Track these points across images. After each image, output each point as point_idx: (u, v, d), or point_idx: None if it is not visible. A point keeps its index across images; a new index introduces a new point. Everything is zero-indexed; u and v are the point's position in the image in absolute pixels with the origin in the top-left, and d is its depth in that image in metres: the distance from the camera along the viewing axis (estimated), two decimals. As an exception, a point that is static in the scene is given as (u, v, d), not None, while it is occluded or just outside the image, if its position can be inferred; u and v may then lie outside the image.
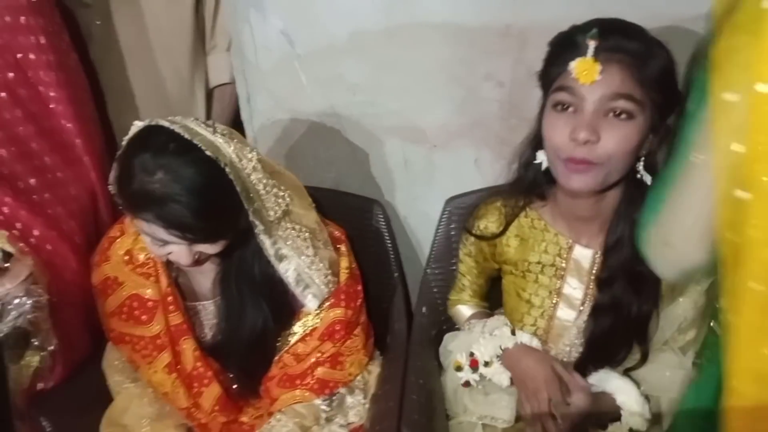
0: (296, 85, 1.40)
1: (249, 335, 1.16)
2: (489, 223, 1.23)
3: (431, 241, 1.44)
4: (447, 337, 1.31)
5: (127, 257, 1.15)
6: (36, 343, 1.13)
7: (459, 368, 1.22)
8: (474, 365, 1.20)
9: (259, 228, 1.07)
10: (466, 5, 1.31)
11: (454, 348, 1.25)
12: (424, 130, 1.45)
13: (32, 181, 1.16)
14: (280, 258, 1.12)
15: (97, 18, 1.39)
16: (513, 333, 1.18)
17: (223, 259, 1.15)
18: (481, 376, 1.20)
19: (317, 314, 1.18)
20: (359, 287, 1.24)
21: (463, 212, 1.39)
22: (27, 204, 1.14)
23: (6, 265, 1.15)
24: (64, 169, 1.21)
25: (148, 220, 0.98)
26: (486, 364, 1.18)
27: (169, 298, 1.15)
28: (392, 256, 1.46)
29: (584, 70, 0.97)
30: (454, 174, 1.46)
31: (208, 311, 1.21)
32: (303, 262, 1.14)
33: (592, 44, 0.97)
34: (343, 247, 1.23)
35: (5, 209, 1.11)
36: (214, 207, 0.99)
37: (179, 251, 1.03)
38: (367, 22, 1.34)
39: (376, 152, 1.48)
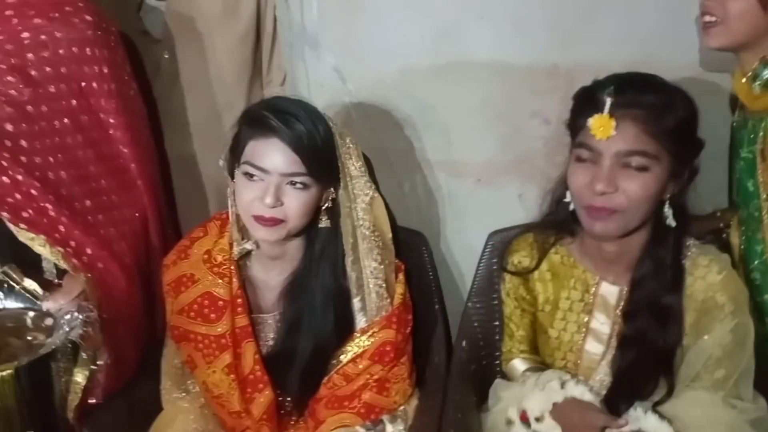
0: (347, 119, 1.45)
1: (311, 348, 1.20)
2: (522, 257, 1.25)
3: (473, 275, 1.45)
4: (499, 383, 1.29)
5: (206, 256, 1.22)
6: (86, 357, 1.17)
7: (510, 422, 1.20)
8: (525, 420, 1.18)
9: (346, 206, 1.17)
10: (513, 45, 1.35)
11: (506, 398, 1.24)
12: (470, 165, 1.47)
13: (88, 202, 1.22)
14: (354, 249, 1.19)
15: (165, 52, 1.48)
16: (563, 386, 1.16)
17: (298, 266, 1.22)
18: (534, 431, 1.18)
19: (370, 335, 1.21)
20: (410, 316, 1.27)
21: (505, 246, 1.40)
22: (81, 224, 1.20)
23: (60, 282, 1.22)
24: (119, 192, 1.28)
25: (270, 138, 1.08)
26: (537, 419, 1.17)
27: (239, 300, 1.20)
28: (434, 289, 1.47)
29: (600, 126, 1.02)
30: (499, 209, 1.47)
31: (268, 325, 1.25)
32: (368, 265, 1.20)
33: (608, 100, 1.02)
34: (401, 276, 1.27)
35: (61, 228, 1.17)
36: (323, 146, 1.12)
37: (289, 197, 1.10)
38: (416, 60, 1.39)
39: (421, 186, 1.51)
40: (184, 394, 1.25)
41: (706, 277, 1.11)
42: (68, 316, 1.14)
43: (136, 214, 1.31)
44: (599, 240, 1.12)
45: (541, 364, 1.28)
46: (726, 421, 1.07)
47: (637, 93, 1.03)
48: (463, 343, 1.39)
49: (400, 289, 1.24)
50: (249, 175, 1.11)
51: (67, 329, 1.13)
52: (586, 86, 1.10)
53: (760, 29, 1.11)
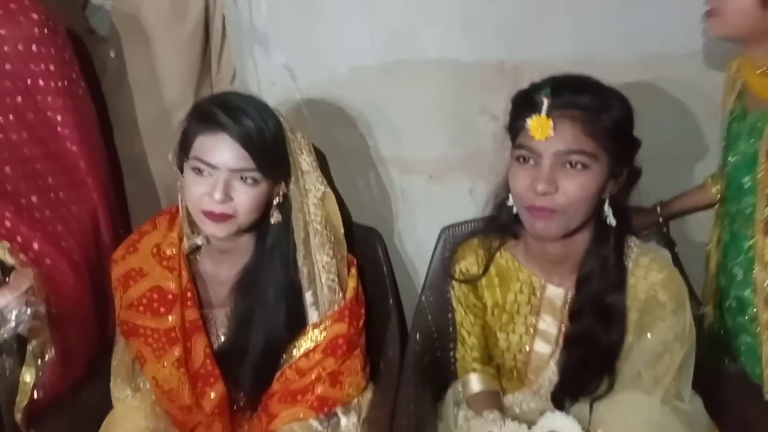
0: (298, 117, 1.45)
1: (263, 343, 1.21)
2: (469, 265, 1.26)
3: (426, 269, 1.47)
4: (458, 403, 1.30)
5: (155, 249, 1.21)
6: (33, 350, 1.15)
7: None
8: None
9: (297, 201, 1.18)
10: (461, 43, 1.38)
11: None
12: (422, 161, 1.49)
13: (34, 198, 1.20)
14: (305, 244, 1.20)
15: (111, 51, 1.46)
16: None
17: (249, 261, 1.22)
18: None
19: (322, 329, 1.22)
20: (362, 310, 1.28)
21: (457, 241, 1.43)
22: (28, 220, 1.18)
23: (6, 278, 1.19)
24: (67, 189, 1.26)
25: (218, 133, 1.08)
26: None
27: (188, 294, 1.20)
28: (388, 284, 1.49)
29: (538, 127, 1.03)
30: (450, 204, 1.50)
31: (219, 320, 1.26)
32: (320, 260, 1.21)
33: (545, 102, 1.03)
34: (353, 270, 1.28)
35: (7, 223, 1.16)
36: (273, 141, 1.13)
37: (238, 193, 1.10)
38: (367, 58, 1.41)
39: (374, 183, 1.53)
40: (134, 391, 1.25)
41: (648, 276, 1.13)
42: (16, 311, 1.12)
43: (86, 212, 1.30)
44: (542, 241, 1.14)
45: (494, 377, 1.29)
46: (659, 424, 1.09)
47: (573, 94, 1.05)
48: (417, 336, 1.41)
49: (352, 283, 1.26)
50: (198, 171, 1.11)
51: (15, 323, 1.11)
52: (524, 89, 1.12)
53: (760, 25, 1.10)
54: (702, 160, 1.41)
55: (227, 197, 1.10)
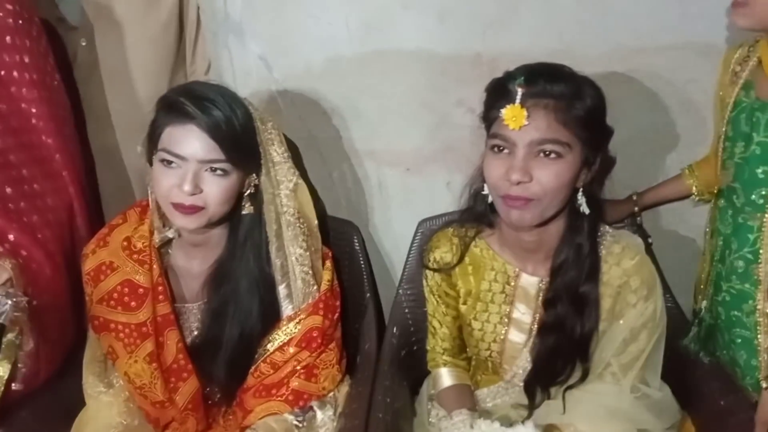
0: (273, 109, 1.44)
1: (237, 337, 1.19)
2: (443, 253, 1.25)
3: (404, 262, 1.47)
4: (430, 397, 1.30)
5: (125, 243, 1.19)
6: (8, 343, 1.13)
7: None
8: None
9: (269, 192, 1.17)
10: (438, 34, 1.37)
11: None
12: (399, 153, 1.49)
13: (9, 190, 1.18)
14: (278, 236, 1.18)
15: (82, 39, 1.43)
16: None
17: (222, 254, 1.21)
18: None
19: (297, 322, 1.21)
20: (338, 303, 1.27)
21: (434, 233, 1.42)
22: (2, 211, 1.16)
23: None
24: (42, 181, 1.24)
25: (186, 124, 1.07)
26: None
27: (160, 288, 1.18)
28: (366, 277, 1.49)
29: (513, 116, 1.03)
30: (428, 197, 1.50)
31: (192, 314, 1.24)
32: (294, 252, 1.19)
33: (519, 91, 1.04)
34: (328, 263, 1.27)
35: None
36: (243, 132, 1.12)
37: (208, 184, 1.09)
38: (343, 49, 1.40)
39: (351, 175, 1.52)
40: (107, 388, 1.23)
41: (620, 263, 1.14)
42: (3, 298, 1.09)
43: (61, 204, 1.27)
44: (517, 230, 1.14)
45: (464, 370, 1.29)
46: (627, 413, 1.10)
47: (547, 83, 1.05)
48: (394, 330, 1.41)
49: (327, 275, 1.25)
50: (167, 162, 1.09)
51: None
52: (498, 78, 1.12)
53: None
54: (674, 151, 1.42)
55: (196, 189, 1.08)
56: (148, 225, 1.19)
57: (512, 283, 1.20)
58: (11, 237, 1.16)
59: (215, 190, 1.10)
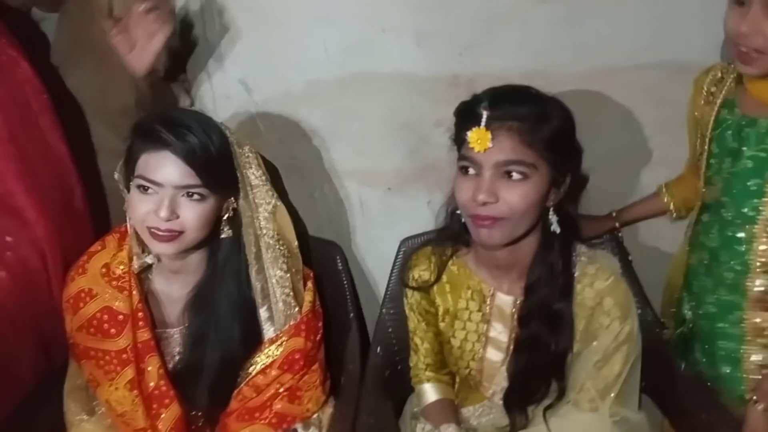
0: (254, 131, 1.45)
1: (219, 361, 1.19)
2: (422, 272, 1.26)
3: (387, 281, 1.47)
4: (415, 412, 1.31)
5: (104, 270, 1.19)
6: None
7: None
8: None
9: (247, 215, 1.17)
10: (416, 57, 1.39)
11: None
12: (379, 173, 1.50)
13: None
14: (257, 259, 1.19)
15: (60, 68, 1.41)
16: None
17: (202, 278, 1.21)
18: None
19: (278, 345, 1.21)
20: (320, 324, 1.27)
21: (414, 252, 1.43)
22: None
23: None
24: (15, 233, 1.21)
25: (162, 150, 1.07)
26: None
27: (140, 314, 1.18)
28: (349, 297, 1.49)
29: (477, 139, 1.05)
30: (409, 216, 1.50)
31: (174, 339, 1.24)
32: (274, 274, 1.20)
33: (484, 114, 1.05)
34: (310, 284, 1.27)
35: None
36: (219, 157, 1.13)
37: (184, 210, 1.09)
38: (323, 72, 1.41)
39: (333, 196, 1.53)
40: (89, 415, 1.22)
41: (594, 284, 1.15)
42: None
43: (33, 251, 1.23)
44: (488, 248, 1.15)
45: (448, 384, 1.30)
46: None
47: (511, 105, 1.07)
48: (378, 349, 1.41)
49: (308, 296, 1.25)
50: (143, 188, 1.09)
51: None
52: (465, 101, 1.14)
53: None
54: (650, 168, 1.45)
55: (173, 214, 1.09)
56: (127, 251, 1.19)
57: (488, 302, 1.21)
58: None
59: (192, 215, 1.10)
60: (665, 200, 1.38)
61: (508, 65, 1.37)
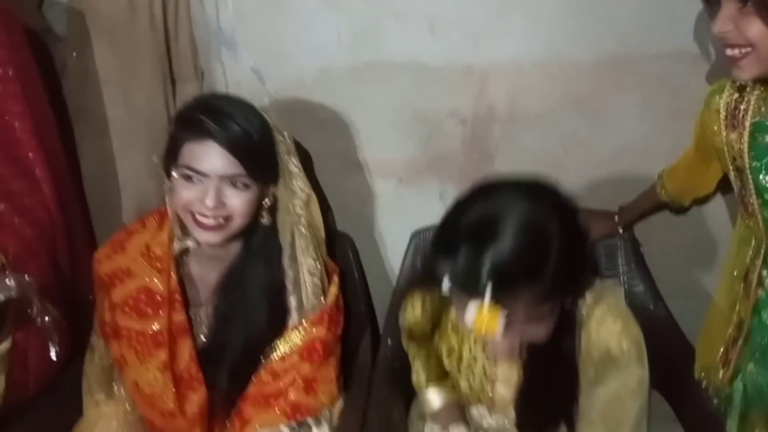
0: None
1: (242, 344, 1.18)
2: (416, 317, 1.21)
3: (398, 273, 1.46)
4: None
5: (144, 250, 1.18)
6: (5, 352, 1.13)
7: None
8: None
9: (285, 203, 1.17)
10: (429, 45, 1.38)
11: None
12: (391, 164, 1.49)
13: (2, 206, 1.18)
14: (291, 246, 1.18)
15: (71, 50, 1.43)
16: None
17: (235, 261, 1.20)
18: None
19: (301, 331, 1.20)
20: (342, 318, 1.26)
21: (428, 244, 1.41)
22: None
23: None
24: (29, 194, 1.23)
25: (205, 140, 1.06)
26: None
27: (176, 295, 1.17)
28: (360, 289, 1.48)
29: (482, 325, 0.86)
30: (421, 207, 1.49)
31: (201, 320, 1.23)
32: (305, 263, 1.19)
33: (488, 294, 0.85)
34: (335, 277, 1.27)
35: None
36: (261, 144, 1.12)
37: (230, 198, 1.09)
38: (335, 61, 1.41)
39: (344, 186, 1.52)
40: (106, 398, 1.21)
41: (601, 328, 1.05)
42: (4, 281, 1.08)
43: (46, 216, 1.26)
44: None
45: (451, 387, 1.24)
46: None
47: (511, 280, 0.87)
48: (388, 341, 1.40)
49: (334, 289, 1.24)
50: (188, 177, 1.09)
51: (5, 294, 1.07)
52: (443, 241, 0.96)
53: None
54: (664, 160, 1.41)
55: (219, 203, 1.08)
56: (167, 233, 1.18)
57: (492, 342, 1.12)
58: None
59: (238, 202, 1.10)
60: (658, 190, 1.34)
61: (521, 53, 1.37)
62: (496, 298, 0.85)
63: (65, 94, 1.45)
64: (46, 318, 1.14)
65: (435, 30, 1.37)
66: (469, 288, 0.87)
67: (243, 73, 1.43)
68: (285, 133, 1.18)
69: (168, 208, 1.17)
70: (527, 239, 0.89)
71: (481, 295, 0.85)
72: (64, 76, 1.45)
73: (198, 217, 1.09)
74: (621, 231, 1.40)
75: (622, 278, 1.42)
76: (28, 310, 1.13)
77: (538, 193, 0.95)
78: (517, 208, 0.90)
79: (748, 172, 1.08)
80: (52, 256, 1.26)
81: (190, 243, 1.18)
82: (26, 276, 1.11)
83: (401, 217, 1.51)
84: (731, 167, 1.13)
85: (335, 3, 1.36)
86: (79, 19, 1.40)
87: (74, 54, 1.41)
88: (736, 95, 1.10)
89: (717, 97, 1.14)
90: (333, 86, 1.42)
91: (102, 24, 1.40)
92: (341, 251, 1.47)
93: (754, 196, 1.09)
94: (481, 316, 0.85)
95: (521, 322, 0.91)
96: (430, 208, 1.47)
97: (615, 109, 1.39)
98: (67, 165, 1.36)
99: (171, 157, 1.11)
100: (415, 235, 1.47)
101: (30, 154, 1.24)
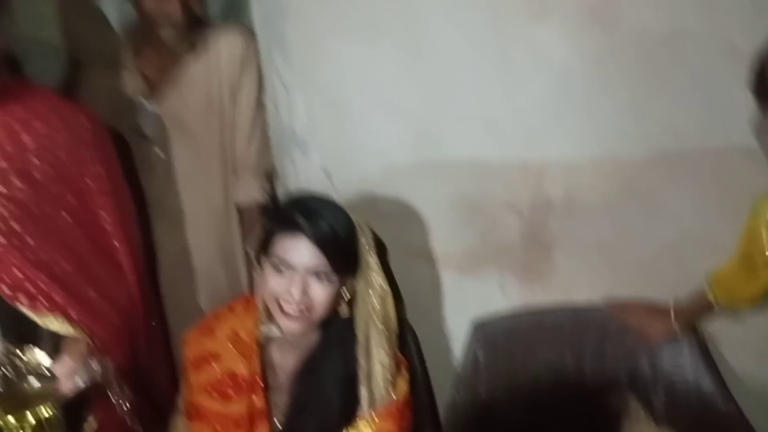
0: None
1: (317, 429, 1.21)
2: None
3: (458, 365, 1.47)
4: None
5: (232, 334, 1.25)
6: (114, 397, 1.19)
7: None
8: None
9: (363, 296, 1.22)
10: (486, 144, 1.46)
11: None
12: (451, 255, 1.53)
13: (92, 293, 1.26)
14: (366, 339, 1.23)
15: (156, 148, 1.57)
16: None
17: (313, 351, 1.25)
18: None
19: (370, 424, 1.22)
20: (410, 413, 1.28)
21: (489, 336, 1.44)
22: (87, 311, 1.24)
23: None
24: (114, 283, 1.32)
25: (296, 234, 1.16)
26: None
27: (258, 380, 1.22)
28: (422, 380, 1.48)
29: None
30: (480, 298, 1.52)
31: (278, 407, 1.27)
32: (377, 355, 1.23)
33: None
34: (405, 372, 1.29)
35: (71, 312, 1.22)
36: (346, 240, 1.21)
37: (314, 290, 1.16)
38: (398, 159, 1.49)
39: (406, 276, 1.55)
40: None
41: None
42: (90, 365, 1.15)
43: (128, 304, 1.35)
44: None
45: None
46: None
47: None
48: (450, 434, 1.39)
49: (404, 384, 1.27)
50: (277, 268, 1.17)
51: (93, 374, 1.14)
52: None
53: None
54: (722, 252, 1.40)
55: (304, 294, 1.16)
56: (254, 320, 1.25)
57: None
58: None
59: (320, 294, 1.17)
60: (709, 296, 1.32)
61: (576, 151, 1.43)
62: None
63: (146, 188, 1.58)
64: (126, 401, 1.20)
65: (492, 130, 1.45)
66: None
67: (313, 170, 1.53)
68: (367, 230, 1.26)
69: (256, 295, 1.25)
70: None
71: None
72: (149, 172, 1.58)
73: (283, 305, 1.17)
74: (680, 334, 1.38)
75: (688, 376, 1.39)
76: (110, 393, 1.19)
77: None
78: None
79: None
80: (133, 341, 1.33)
81: (275, 330, 1.24)
82: (109, 360, 1.18)
83: (462, 307, 1.54)
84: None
85: (399, 108, 1.46)
86: (163, 122, 1.54)
87: (157, 151, 1.55)
88: None
89: (765, 204, 1.16)
90: (395, 182, 1.50)
91: (182, 125, 1.55)
92: (403, 341, 1.48)
93: None
94: None
95: None
96: (491, 299, 1.51)
97: (671, 202, 1.42)
98: (146, 254, 1.46)
99: (263, 248, 1.20)
100: (476, 325, 1.49)
101: (116, 244, 1.35)
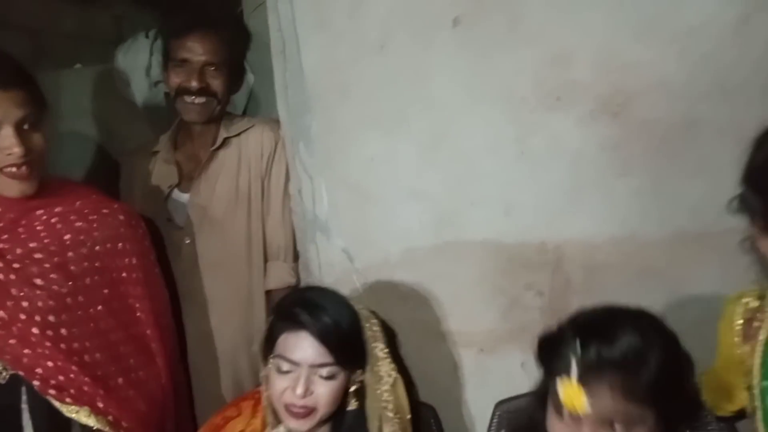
0: (354, 295, 1.55)
1: None
2: None
3: (482, 445, 1.46)
4: None
5: None
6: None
7: None
8: None
9: (372, 388, 1.24)
10: (504, 226, 1.48)
11: None
12: (472, 335, 1.54)
13: (120, 380, 1.32)
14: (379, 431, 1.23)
15: (186, 238, 1.64)
16: None
17: None
18: None
19: None
20: None
21: (512, 416, 1.43)
22: (116, 399, 1.29)
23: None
24: (145, 369, 1.37)
25: (300, 331, 1.18)
26: None
27: None
28: (444, 462, 1.48)
29: (570, 399, 0.94)
30: (503, 378, 1.52)
31: None
32: None
33: (574, 364, 0.94)
34: None
35: (99, 403, 1.28)
36: (349, 333, 1.23)
37: (319, 387, 1.17)
38: (417, 241, 1.53)
39: (426, 356, 1.57)
40: None
41: None
42: None
43: (158, 389, 1.40)
44: None
45: None
46: None
47: (605, 346, 0.96)
48: None
49: None
50: (280, 366, 1.20)
51: None
52: (550, 333, 1.08)
53: None
54: None
55: (308, 392, 1.18)
56: (261, 420, 1.28)
57: None
58: (125, 424, 1.28)
59: (324, 391, 1.19)
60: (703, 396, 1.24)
61: (594, 232, 1.44)
62: (582, 374, 0.94)
63: (176, 275, 1.64)
64: None
65: (509, 213, 1.47)
66: (562, 359, 0.97)
67: (334, 253, 1.58)
68: (373, 321, 1.28)
69: (263, 395, 1.27)
70: (628, 335, 0.99)
71: (569, 370, 0.94)
72: (179, 260, 1.64)
73: (289, 405, 1.19)
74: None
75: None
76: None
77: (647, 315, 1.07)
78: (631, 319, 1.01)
79: (757, 391, 1.01)
80: (160, 428, 1.37)
81: (282, 430, 1.25)
82: None
83: (484, 387, 1.53)
84: (743, 384, 1.06)
85: (418, 193, 1.50)
86: (195, 211, 1.62)
87: (187, 241, 1.62)
88: (756, 304, 1.08)
89: (734, 306, 1.13)
90: (415, 264, 1.53)
91: (210, 214, 1.62)
92: (425, 423, 1.50)
93: (761, 423, 1.01)
94: (570, 388, 0.95)
95: (605, 412, 0.94)
96: (513, 378, 1.50)
97: (691, 282, 1.41)
98: (176, 341, 1.51)
99: (268, 345, 1.23)
100: (499, 405, 1.49)
101: (148, 332, 1.41)
